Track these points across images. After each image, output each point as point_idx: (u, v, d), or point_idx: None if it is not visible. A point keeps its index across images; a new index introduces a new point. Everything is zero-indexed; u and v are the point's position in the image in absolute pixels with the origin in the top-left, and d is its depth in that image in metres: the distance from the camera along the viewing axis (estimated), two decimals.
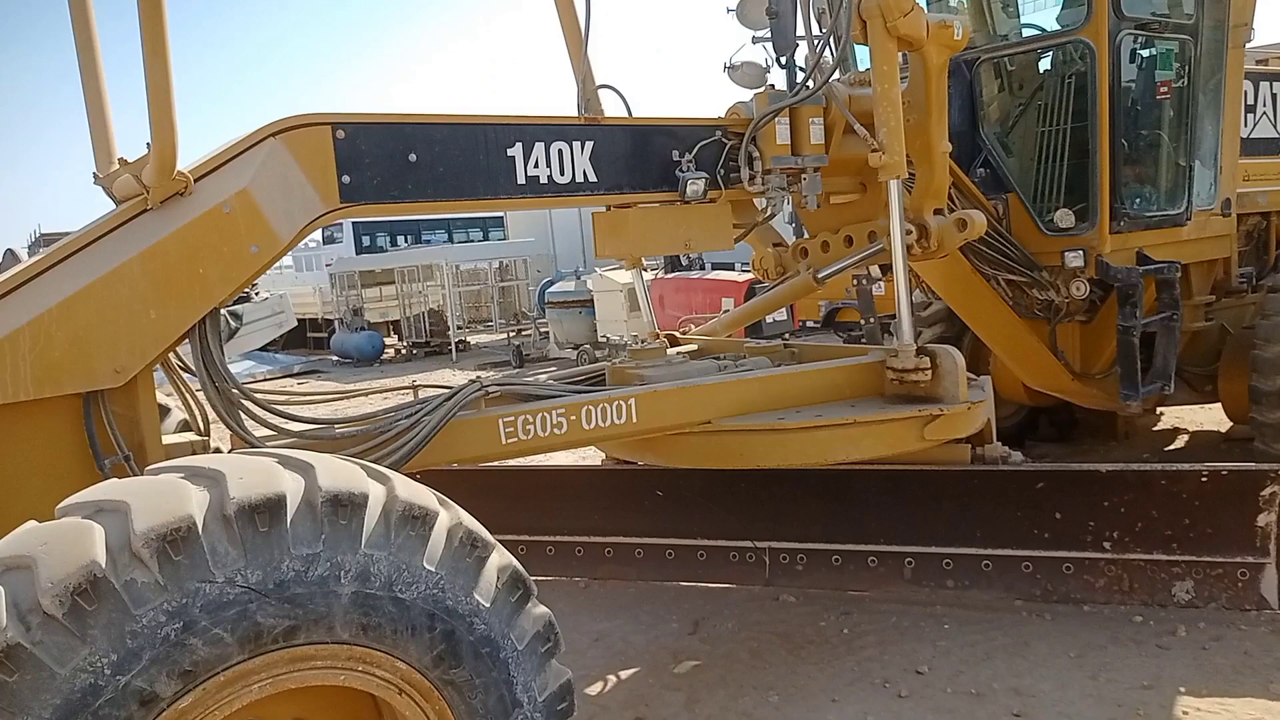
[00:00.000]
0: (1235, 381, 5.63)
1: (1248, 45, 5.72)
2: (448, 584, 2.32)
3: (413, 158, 3.50)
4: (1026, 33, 5.90)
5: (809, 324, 14.46)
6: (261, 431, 3.25)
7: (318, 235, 31.14)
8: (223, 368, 3.13)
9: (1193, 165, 5.44)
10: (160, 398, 3.26)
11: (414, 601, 2.26)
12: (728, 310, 7.23)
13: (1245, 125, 6.06)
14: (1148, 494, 4.29)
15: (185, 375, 3.43)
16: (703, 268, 16.13)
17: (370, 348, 19.42)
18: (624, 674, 4.22)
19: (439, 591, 2.30)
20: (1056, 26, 5.54)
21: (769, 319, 12.38)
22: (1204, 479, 4.20)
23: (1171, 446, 7.05)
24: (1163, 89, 5.37)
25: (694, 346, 5.12)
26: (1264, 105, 6.36)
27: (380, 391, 4.67)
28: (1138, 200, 5.35)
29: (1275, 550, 4.10)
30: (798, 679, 4.02)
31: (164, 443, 3.14)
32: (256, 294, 18.94)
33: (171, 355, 3.29)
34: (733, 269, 15.44)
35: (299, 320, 22.30)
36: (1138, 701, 3.60)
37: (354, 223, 27.77)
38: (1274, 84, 6.47)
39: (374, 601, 2.22)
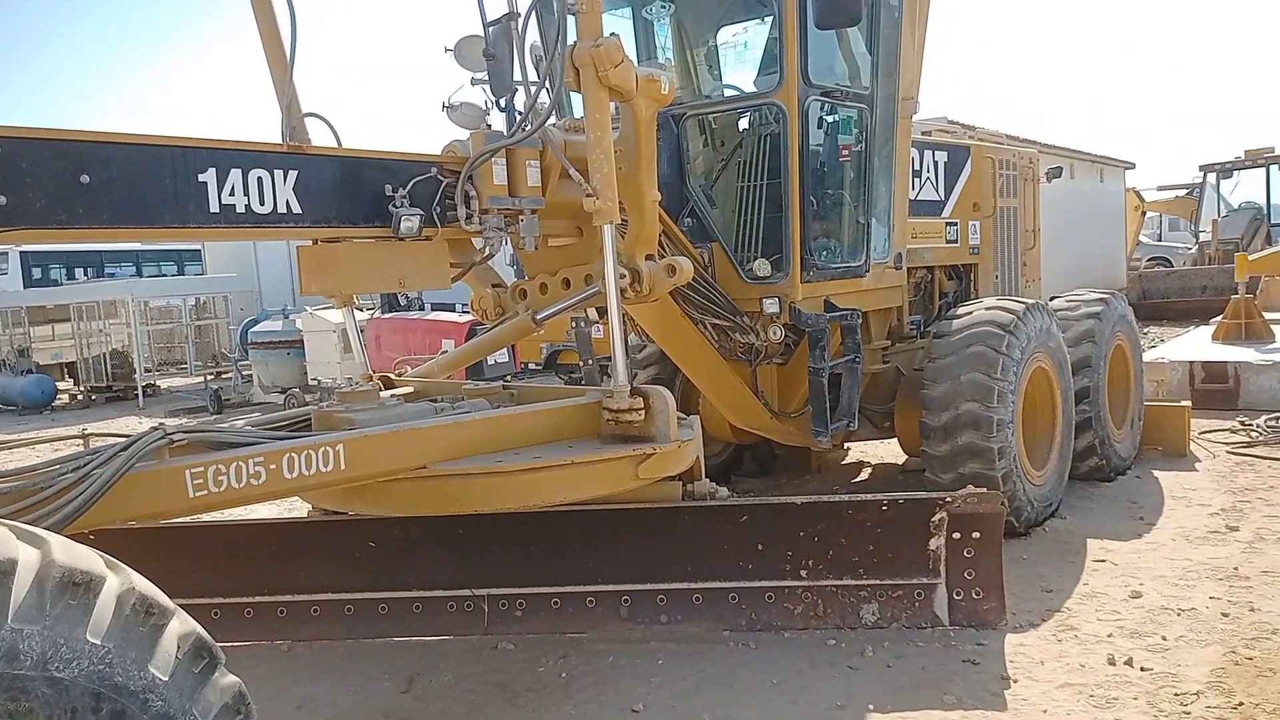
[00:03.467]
0: (908, 418, 6.24)
1: (914, 117, 6.44)
2: (116, 658, 2.05)
3: (85, 179, 3.14)
4: (727, 93, 6.30)
5: (531, 366, 14.54)
6: None
7: None
8: None
9: (870, 222, 6.02)
10: None
11: (74, 680, 1.98)
12: (447, 352, 7.10)
13: (912, 189, 6.80)
14: (837, 523, 4.62)
15: None
16: (422, 308, 15.80)
17: (38, 393, 17.21)
18: None
19: (106, 667, 2.03)
20: (754, 89, 5.97)
21: (491, 360, 12.28)
22: (884, 508, 4.58)
23: (858, 478, 7.71)
24: (844, 152, 5.92)
25: (410, 389, 4.95)
26: (928, 171, 7.18)
27: (46, 441, 4.12)
28: (824, 253, 5.84)
29: (945, 571, 4.54)
30: None
31: None
32: None
33: None
34: (453, 310, 15.22)
35: None
36: None
37: (22, 251, 24.83)
38: (936, 152, 7.33)
39: (23, 683, 1.92)
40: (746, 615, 4.66)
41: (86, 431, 3.62)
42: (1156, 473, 7.34)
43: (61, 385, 18.65)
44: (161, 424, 3.37)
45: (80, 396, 18.22)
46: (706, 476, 4.81)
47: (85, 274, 25.57)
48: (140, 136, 3.30)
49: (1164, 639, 4.42)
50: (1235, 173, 23.17)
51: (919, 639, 4.48)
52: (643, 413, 4.19)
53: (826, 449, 7.15)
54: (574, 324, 5.47)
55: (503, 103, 4.57)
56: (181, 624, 2.24)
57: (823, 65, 5.60)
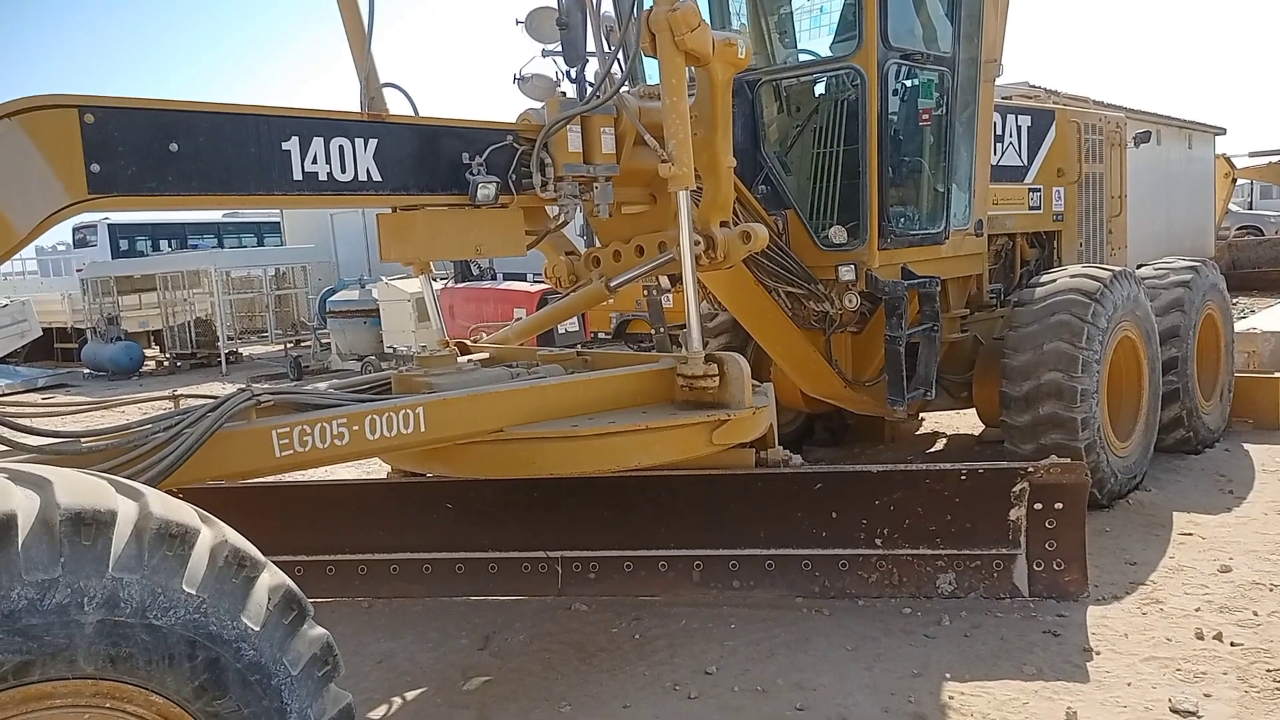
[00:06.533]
0: (987, 388, 6.12)
1: (997, 81, 6.25)
2: (211, 607, 2.12)
3: (174, 147, 3.22)
4: (803, 58, 6.19)
5: (601, 335, 14.58)
6: None
7: (67, 238, 28.61)
8: None
9: (950, 188, 5.88)
10: None
11: (171, 628, 2.06)
12: (520, 319, 7.17)
13: (994, 154, 6.62)
14: (913, 492, 4.56)
15: None
16: (494, 277, 15.95)
17: (127, 359, 17.86)
18: (410, 695, 4.04)
19: (201, 616, 2.10)
20: (830, 54, 5.85)
21: (561, 329, 12.37)
22: (963, 478, 4.51)
23: (933, 449, 7.59)
24: (924, 117, 5.77)
25: (485, 354, 5.02)
26: (1010, 136, 6.98)
27: (137, 402, 4.26)
28: (902, 219, 5.72)
29: (1025, 542, 4.46)
30: (590, 687, 3.99)
31: None
32: None
33: None
34: (525, 279, 15.33)
35: (45, 330, 20.39)
36: (909, 689, 3.81)
37: (110, 225, 25.78)
38: (1018, 117, 7.12)
39: (124, 630, 2.00)
40: (820, 582, 4.64)
41: (176, 393, 3.74)
42: (1247, 446, 7.09)
43: (148, 352, 19.33)
44: (248, 385, 3.47)
45: (166, 363, 18.89)
46: (779, 444, 4.78)
47: (169, 245, 26.40)
48: (226, 105, 3.37)
49: (1255, 614, 4.28)
50: None
51: (997, 609, 4.41)
52: (717, 379, 4.18)
53: (901, 419, 7.05)
54: (645, 292, 5.47)
55: (574, 73, 4.56)
56: (272, 576, 2.31)
57: (902, 28, 5.45)
